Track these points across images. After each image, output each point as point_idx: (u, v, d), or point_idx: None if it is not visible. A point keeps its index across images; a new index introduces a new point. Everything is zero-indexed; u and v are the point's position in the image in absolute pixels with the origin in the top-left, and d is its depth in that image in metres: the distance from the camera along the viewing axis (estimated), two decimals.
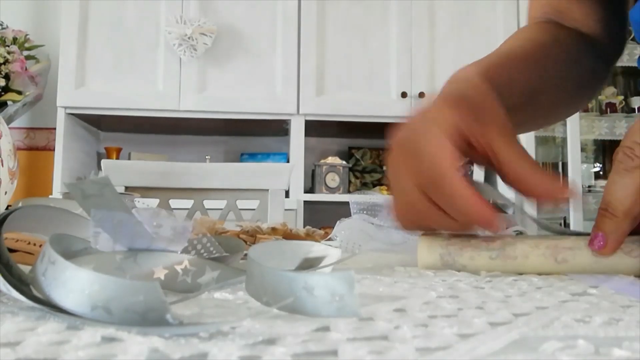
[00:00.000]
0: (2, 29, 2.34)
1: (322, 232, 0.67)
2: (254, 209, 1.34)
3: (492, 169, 0.42)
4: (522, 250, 0.40)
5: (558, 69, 0.61)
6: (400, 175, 0.42)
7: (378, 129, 2.56)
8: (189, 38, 2.28)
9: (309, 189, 2.49)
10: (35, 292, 0.23)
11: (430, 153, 0.40)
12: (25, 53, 2.33)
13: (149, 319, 0.19)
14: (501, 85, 0.47)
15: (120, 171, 1.31)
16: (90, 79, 2.31)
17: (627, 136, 0.39)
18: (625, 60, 2.37)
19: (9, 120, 2.21)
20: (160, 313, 0.19)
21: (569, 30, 0.67)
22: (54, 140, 2.32)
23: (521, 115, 0.53)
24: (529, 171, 0.40)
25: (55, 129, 2.31)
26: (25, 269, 0.27)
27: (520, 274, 0.40)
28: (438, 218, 0.40)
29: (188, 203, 1.33)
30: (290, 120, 2.38)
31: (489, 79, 0.46)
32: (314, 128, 2.46)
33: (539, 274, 0.39)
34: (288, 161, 2.44)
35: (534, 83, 0.57)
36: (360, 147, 2.73)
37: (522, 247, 0.40)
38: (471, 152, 0.42)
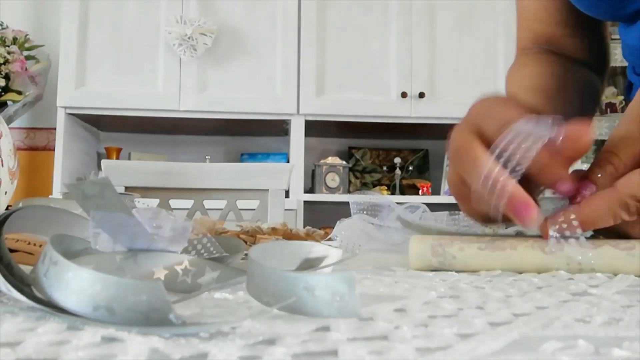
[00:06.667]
0: (2, 29, 2.34)
1: (322, 232, 0.67)
2: (254, 209, 1.34)
3: None
4: (511, 242, 0.41)
5: (577, 97, 0.69)
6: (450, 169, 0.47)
7: (378, 129, 2.57)
8: (189, 38, 2.28)
9: (309, 189, 2.49)
10: (36, 293, 0.23)
11: (455, 139, 0.45)
12: (25, 53, 2.33)
13: (151, 318, 0.19)
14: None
15: (120, 171, 1.31)
16: (90, 79, 2.31)
17: None
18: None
19: (9, 120, 2.21)
20: (163, 313, 0.19)
21: (568, 59, 0.73)
22: (54, 140, 2.32)
23: None
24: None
25: (55, 129, 2.31)
26: (26, 269, 0.27)
27: (520, 272, 0.40)
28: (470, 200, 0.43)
29: (188, 203, 1.33)
30: (290, 120, 2.38)
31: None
32: (314, 128, 2.46)
33: (528, 267, 0.40)
34: (288, 161, 2.44)
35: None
36: (360, 147, 2.73)
37: (511, 240, 0.41)
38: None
